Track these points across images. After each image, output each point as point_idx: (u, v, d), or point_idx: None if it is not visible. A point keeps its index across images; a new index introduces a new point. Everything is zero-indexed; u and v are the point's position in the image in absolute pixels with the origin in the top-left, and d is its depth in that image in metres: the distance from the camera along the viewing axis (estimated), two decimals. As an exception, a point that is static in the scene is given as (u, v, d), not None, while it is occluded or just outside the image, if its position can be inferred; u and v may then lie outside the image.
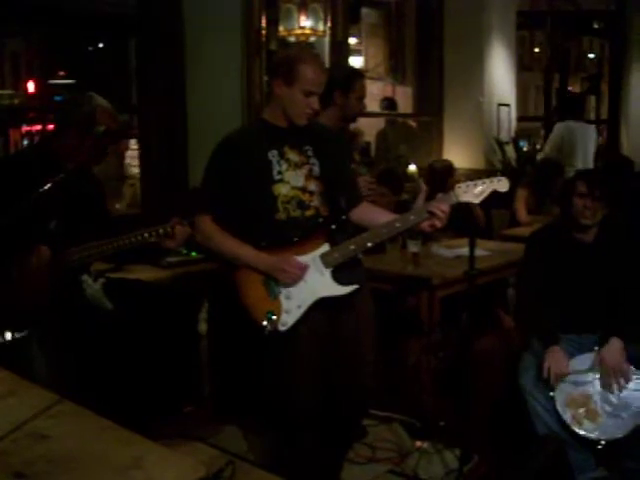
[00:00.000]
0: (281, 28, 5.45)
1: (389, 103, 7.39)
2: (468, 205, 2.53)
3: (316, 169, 2.59)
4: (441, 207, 2.46)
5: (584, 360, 2.94)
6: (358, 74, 3.41)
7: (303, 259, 2.51)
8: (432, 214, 2.46)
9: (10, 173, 2.65)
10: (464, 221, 2.98)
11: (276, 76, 2.56)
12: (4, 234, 2.37)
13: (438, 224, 2.48)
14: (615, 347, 2.88)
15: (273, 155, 2.54)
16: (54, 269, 2.57)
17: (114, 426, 1.62)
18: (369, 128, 7.38)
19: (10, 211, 2.31)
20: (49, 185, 2.37)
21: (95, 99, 2.71)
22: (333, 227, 2.53)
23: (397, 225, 2.53)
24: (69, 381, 2.46)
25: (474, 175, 5.38)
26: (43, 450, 1.50)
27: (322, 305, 2.51)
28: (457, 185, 2.50)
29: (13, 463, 1.44)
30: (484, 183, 2.49)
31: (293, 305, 2.50)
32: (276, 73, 2.57)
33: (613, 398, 2.86)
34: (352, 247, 2.51)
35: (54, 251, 2.58)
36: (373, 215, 2.67)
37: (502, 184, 2.50)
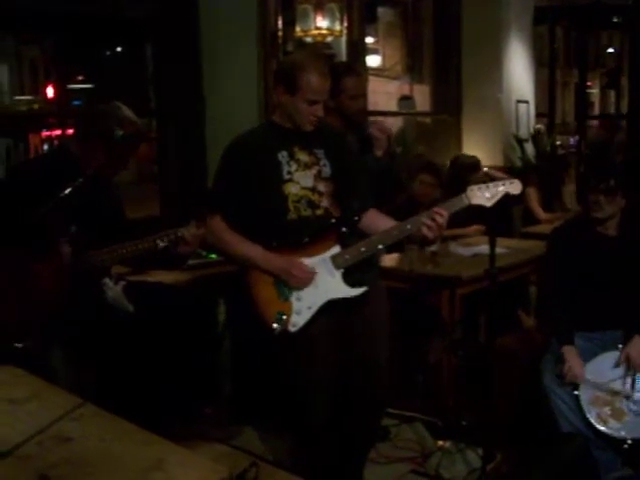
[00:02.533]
0: (297, 29, 5.44)
1: (407, 101, 7.37)
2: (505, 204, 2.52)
3: (326, 170, 2.59)
4: (440, 211, 2.44)
5: (608, 359, 2.91)
6: (346, 71, 3.21)
7: (314, 260, 2.51)
8: (433, 220, 2.44)
9: (31, 177, 2.67)
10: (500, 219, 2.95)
11: (279, 84, 2.56)
12: (26, 237, 2.39)
13: (437, 232, 2.46)
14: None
15: (283, 156, 2.55)
16: (75, 272, 2.59)
17: (135, 428, 1.63)
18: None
19: (31, 214, 2.33)
20: (69, 190, 2.39)
21: (122, 111, 2.72)
22: (344, 229, 2.53)
23: (408, 227, 2.52)
24: (91, 383, 2.48)
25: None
26: (66, 452, 1.51)
27: (333, 306, 2.51)
28: (469, 187, 2.48)
29: (38, 466, 1.45)
30: (496, 186, 2.48)
31: (303, 306, 2.50)
32: (279, 81, 2.57)
33: (639, 396, 2.83)
34: (363, 249, 2.51)
35: (75, 255, 2.59)
36: (380, 222, 2.66)
37: (514, 186, 2.50)
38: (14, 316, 2.51)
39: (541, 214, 5.37)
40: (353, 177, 2.67)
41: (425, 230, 2.45)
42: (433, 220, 2.43)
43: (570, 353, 2.89)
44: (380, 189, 2.90)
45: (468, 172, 4.87)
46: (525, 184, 5.33)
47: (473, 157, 5.29)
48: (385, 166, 3.13)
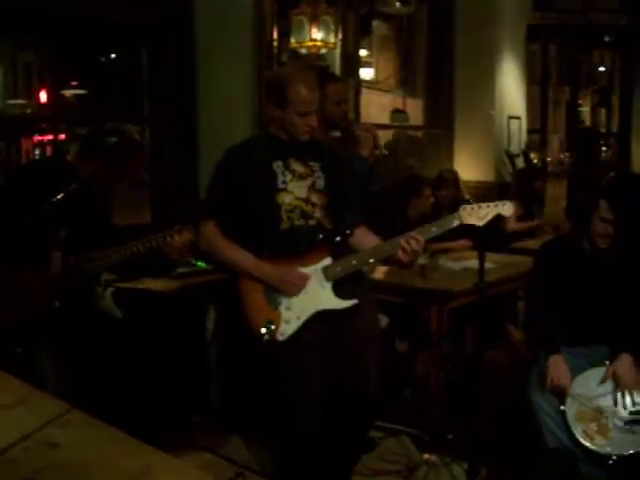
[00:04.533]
0: (292, 40, 5.47)
1: (400, 115, 7.40)
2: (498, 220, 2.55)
3: (320, 182, 2.61)
4: (417, 237, 2.46)
5: (595, 376, 2.92)
6: (329, 78, 3.27)
7: (305, 271, 2.52)
8: (408, 244, 2.45)
9: (25, 182, 2.67)
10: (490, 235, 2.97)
11: (270, 101, 2.58)
12: (18, 241, 2.39)
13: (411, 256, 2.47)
14: (627, 362, 2.87)
15: (278, 166, 2.57)
16: (65, 278, 2.58)
17: (123, 436, 1.62)
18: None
19: (24, 218, 2.33)
20: (61, 195, 2.39)
21: (130, 135, 2.74)
22: (337, 240, 2.55)
23: (401, 241, 2.53)
24: (79, 390, 2.47)
25: (484, 187, 5.37)
26: (53, 459, 1.50)
27: (323, 317, 2.52)
28: (462, 207, 2.52)
29: (23, 471, 1.44)
30: (489, 206, 2.51)
31: (293, 316, 2.50)
32: (269, 98, 2.59)
33: (625, 413, 2.84)
34: (354, 262, 2.52)
35: (65, 259, 2.59)
36: (367, 240, 2.66)
37: (506, 208, 2.53)
38: (4, 322, 2.51)
39: (512, 225, 5.39)
40: (347, 192, 2.69)
41: (400, 254, 2.47)
42: (408, 244, 2.45)
43: (556, 362, 2.90)
44: (367, 191, 2.92)
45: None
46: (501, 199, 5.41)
47: (453, 172, 5.33)
48: (371, 166, 3.16)
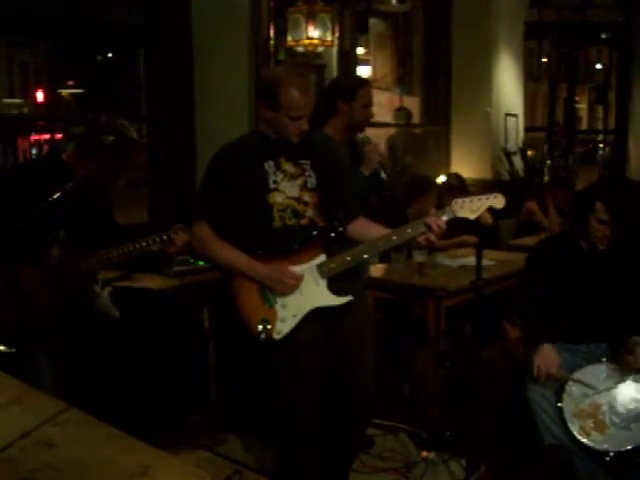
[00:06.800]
0: (289, 38, 5.48)
1: (404, 113, 7.42)
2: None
3: (312, 181, 2.60)
4: (439, 222, 2.47)
5: (592, 372, 2.92)
6: (362, 82, 3.33)
7: (299, 269, 2.52)
8: (430, 228, 2.46)
9: (22, 182, 2.66)
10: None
11: (261, 100, 2.57)
12: (15, 241, 2.39)
13: (433, 238, 2.48)
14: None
15: (269, 165, 2.56)
16: (62, 277, 2.58)
17: (121, 434, 1.62)
18: (377, 138, 7.39)
19: (20, 219, 2.33)
20: (58, 194, 2.39)
21: (127, 133, 2.73)
22: (331, 237, 2.55)
23: (394, 238, 2.54)
24: (76, 388, 2.47)
25: (481, 185, 5.38)
26: (50, 458, 1.50)
27: (319, 314, 2.52)
28: (454, 200, 2.51)
29: (20, 470, 1.44)
30: (480, 199, 2.50)
31: (288, 314, 2.50)
32: (261, 98, 2.57)
33: (622, 409, 2.85)
34: (348, 258, 2.52)
35: (63, 259, 2.59)
36: (369, 230, 2.66)
37: (498, 200, 2.51)
38: (3, 322, 2.51)
39: (546, 222, 5.39)
40: (339, 188, 2.68)
41: (421, 238, 2.49)
42: (430, 228, 2.46)
43: (544, 351, 2.89)
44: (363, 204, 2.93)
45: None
46: (526, 199, 5.42)
47: (459, 178, 5.33)
48: (368, 184, 3.18)
